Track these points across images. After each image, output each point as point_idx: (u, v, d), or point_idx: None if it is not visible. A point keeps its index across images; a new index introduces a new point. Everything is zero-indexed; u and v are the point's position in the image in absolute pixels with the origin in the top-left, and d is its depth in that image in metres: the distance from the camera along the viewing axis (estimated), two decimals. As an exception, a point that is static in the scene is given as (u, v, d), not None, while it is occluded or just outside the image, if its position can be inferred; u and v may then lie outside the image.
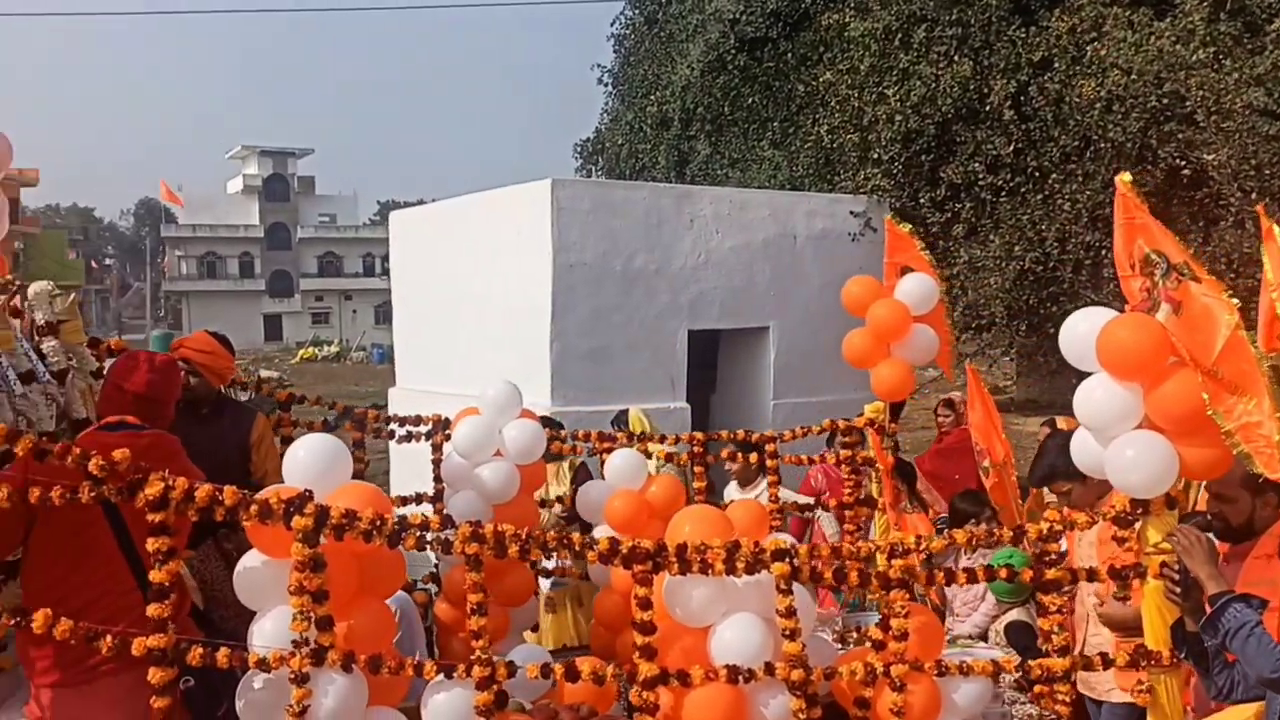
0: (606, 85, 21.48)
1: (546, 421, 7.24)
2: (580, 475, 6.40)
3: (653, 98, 18.03)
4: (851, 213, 10.79)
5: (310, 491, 3.22)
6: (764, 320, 10.11)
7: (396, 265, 11.89)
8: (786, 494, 6.81)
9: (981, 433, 6.40)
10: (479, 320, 9.81)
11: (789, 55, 15.14)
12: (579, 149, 21.07)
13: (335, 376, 41.09)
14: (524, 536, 3.35)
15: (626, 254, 9.24)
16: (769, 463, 6.01)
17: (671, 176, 17.16)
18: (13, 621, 3.10)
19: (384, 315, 68.34)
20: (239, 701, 3.35)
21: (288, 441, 5.47)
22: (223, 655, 3.18)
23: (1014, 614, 5.56)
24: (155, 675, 3.11)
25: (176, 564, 3.19)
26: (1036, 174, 11.77)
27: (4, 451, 3.13)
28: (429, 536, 3.32)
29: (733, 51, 15.79)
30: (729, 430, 6.32)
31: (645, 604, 3.46)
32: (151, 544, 3.13)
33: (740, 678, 3.48)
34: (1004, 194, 11.91)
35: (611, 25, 20.67)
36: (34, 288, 4.88)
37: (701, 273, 9.68)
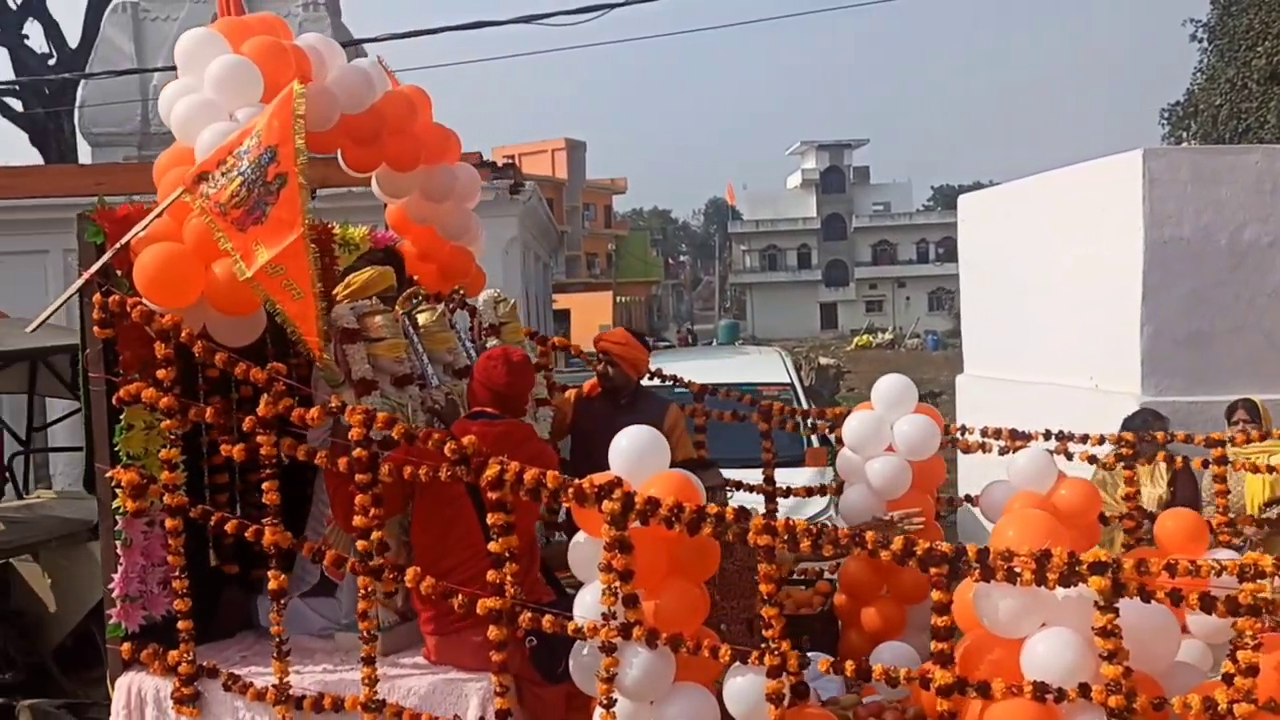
0: (1201, 41, 19.64)
1: (1154, 415, 6.75)
2: (1182, 478, 6.04)
3: (1260, 49, 16.07)
4: None
5: (619, 478, 3.54)
6: None
7: (965, 249, 11.55)
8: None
9: None
10: (1055, 303, 9.31)
11: None
12: (1165, 114, 19.58)
13: (889, 364, 41.49)
14: (816, 530, 3.40)
15: (1233, 226, 8.26)
16: (1214, 469, 5.34)
17: None
18: (392, 575, 3.77)
19: (937, 302, 68.02)
20: (572, 662, 3.76)
21: (700, 430, 5.89)
22: (548, 621, 3.59)
23: None
24: (493, 632, 3.61)
25: (513, 537, 3.65)
26: None
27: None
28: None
29: (1374, -17, 13.58)
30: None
31: (942, 609, 3.35)
32: (491, 519, 3.62)
33: (1048, 696, 3.25)
34: None
35: None
36: (482, 295, 5.75)
37: None
